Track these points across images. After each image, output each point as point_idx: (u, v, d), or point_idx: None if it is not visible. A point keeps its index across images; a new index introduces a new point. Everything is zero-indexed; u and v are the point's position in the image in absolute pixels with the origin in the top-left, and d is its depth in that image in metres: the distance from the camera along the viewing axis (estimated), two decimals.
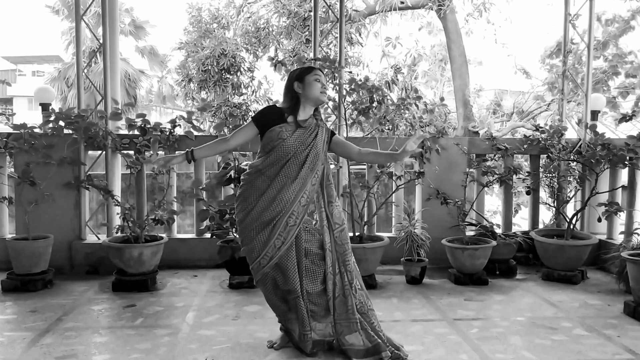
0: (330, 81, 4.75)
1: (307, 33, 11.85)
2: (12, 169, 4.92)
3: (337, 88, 4.81)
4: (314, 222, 3.04)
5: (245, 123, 3.03)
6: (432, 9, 11.18)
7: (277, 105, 3.07)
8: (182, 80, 13.09)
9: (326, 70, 4.77)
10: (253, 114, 3.02)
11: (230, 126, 4.84)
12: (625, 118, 4.71)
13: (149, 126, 4.63)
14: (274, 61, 5.14)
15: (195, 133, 4.81)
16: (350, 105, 4.77)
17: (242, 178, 3.01)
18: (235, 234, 4.49)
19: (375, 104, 4.67)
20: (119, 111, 4.86)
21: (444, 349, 3.15)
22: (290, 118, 2.95)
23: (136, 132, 4.68)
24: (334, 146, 3.10)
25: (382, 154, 3.39)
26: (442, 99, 5.31)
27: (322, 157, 3.00)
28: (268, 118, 2.95)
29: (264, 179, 2.92)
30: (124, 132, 5.05)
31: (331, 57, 4.81)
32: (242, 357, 3.00)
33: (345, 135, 5.10)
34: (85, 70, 5.13)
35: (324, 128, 3.03)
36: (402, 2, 11.86)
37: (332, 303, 2.94)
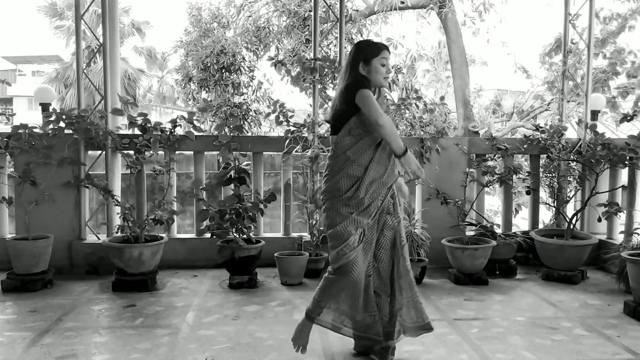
0: (330, 81, 4.76)
1: (307, 33, 11.85)
2: (12, 169, 4.91)
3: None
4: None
5: (365, 93, 2.70)
6: (432, 9, 11.18)
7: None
8: (182, 80, 13.08)
9: (326, 70, 4.77)
10: (359, 85, 2.72)
11: (231, 126, 4.84)
12: (626, 118, 4.71)
13: (149, 125, 4.63)
14: (274, 61, 5.15)
15: (196, 133, 4.81)
16: None
17: (329, 164, 2.85)
18: (235, 234, 4.49)
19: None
20: (121, 108, 4.85)
21: (444, 349, 3.15)
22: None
23: (137, 131, 4.68)
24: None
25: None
26: (442, 98, 5.29)
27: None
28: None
29: (350, 163, 2.77)
30: (124, 132, 5.06)
31: (331, 57, 4.82)
32: (242, 357, 3.00)
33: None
34: (85, 70, 5.13)
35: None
36: (402, 2, 11.86)
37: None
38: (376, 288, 2.90)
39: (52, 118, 4.57)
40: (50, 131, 4.61)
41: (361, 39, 12.82)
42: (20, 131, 4.52)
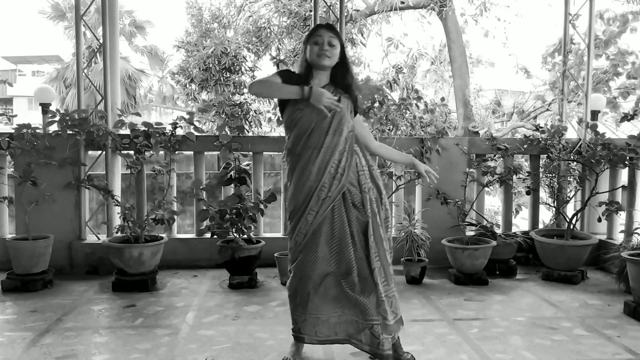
0: None
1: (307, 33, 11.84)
2: (12, 169, 4.92)
3: None
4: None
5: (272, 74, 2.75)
6: (433, 10, 11.17)
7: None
8: (183, 80, 13.08)
9: None
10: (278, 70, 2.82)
11: (233, 126, 4.84)
12: (626, 117, 4.70)
13: (152, 130, 4.64)
14: (275, 60, 5.15)
15: (196, 134, 4.81)
16: None
17: (283, 162, 2.83)
18: (235, 234, 4.49)
19: (376, 104, 4.67)
20: (122, 116, 4.84)
21: (444, 349, 3.15)
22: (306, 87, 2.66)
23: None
24: (354, 123, 2.82)
25: (398, 154, 3.28)
26: (442, 99, 5.30)
27: (349, 122, 2.73)
28: (290, 76, 2.71)
29: (294, 157, 2.73)
30: (124, 132, 5.05)
31: None
32: (242, 357, 3.00)
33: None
34: (85, 70, 5.13)
35: (345, 96, 2.76)
36: (403, 2, 11.85)
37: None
38: (348, 286, 2.71)
39: (56, 118, 4.57)
40: (52, 132, 4.62)
41: (362, 39, 12.82)
42: (23, 131, 4.52)
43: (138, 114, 4.71)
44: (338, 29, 5.14)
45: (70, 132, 4.65)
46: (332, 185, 2.66)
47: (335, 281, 2.72)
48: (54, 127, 4.66)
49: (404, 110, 4.73)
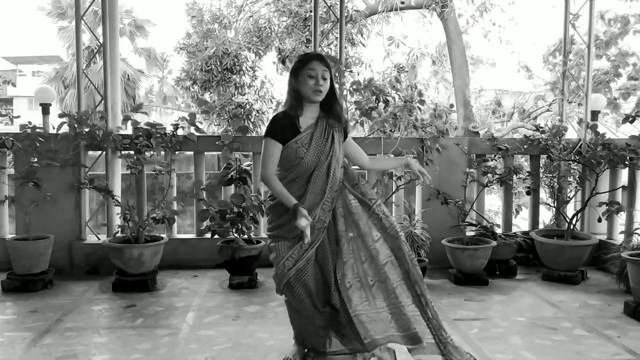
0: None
1: (307, 33, 11.84)
2: (13, 170, 4.92)
3: (338, 87, 4.80)
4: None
5: (266, 142, 2.66)
6: (435, 10, 11.16)
7: (283, 110, 2.72)
8: (187, 83, 13.09)
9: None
10: (267, 130, 2.67)
11: (235, 127, 4.84)
12: (628, 119, 4.69)
13: (154, 130, 4.65)
14: (280, 56, 5.15)
15: (197, 134, 4.81)
16: (354, 106, 4.76)
17: (270, 197, 2.82)
18: (235, 234, 4.49)
19: (382, 105, 4.65)
20: (129, 114, 4.84)
21: None
22: (302, 121, 2.65)
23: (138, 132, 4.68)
24: (345, 146, 2.82)
25: (392, 160, 3.28)
26: (452, 106, 5.33)
27: (341, 159, 2.76)
28: (284, 131, 2.63)
29: (289, 185, 2.67)
30: (124, 132, 5.06)
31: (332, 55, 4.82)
32: (242, 358, 3.00)
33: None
34: (85, 70, 5.13)
35: (335, 128, 2.72)
36: (403, 2, 11.84)
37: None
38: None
39: (65, 121, 4.58)
40: (58, 135, 4.62)
41: (362, 39, 12.81)
42: (28, 132, 4.52)
43: (146, 113, 4.71)
44: (338, 29, 5.16)
45: (74, 133, 4.65)
46: (326, 218, 2.69)
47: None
48: (60, 129, 4.67)
49: (407, 113, 4.71)
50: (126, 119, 4.75)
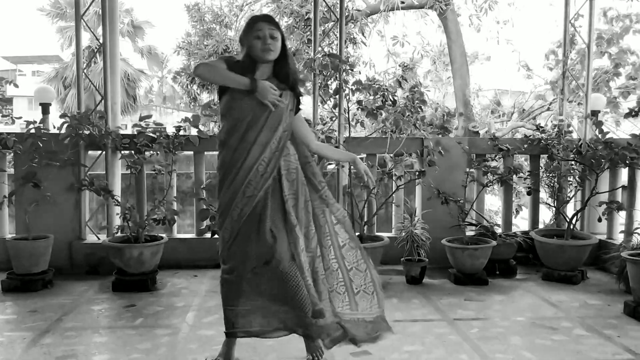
0: (334, 80, 4.75)
1: (308, 33, 11.84)
2: (13, 170, 4.92)
3: (339, 85, 4.80)
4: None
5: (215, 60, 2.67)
6: (440, 9, 11.13)
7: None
8: (185, 81, 13.06)
9: (332, 70, 4.73)
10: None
11: None
12: (631, 113, 4.66)
13: (158, 133, 4.65)
14: None
15: (199, 136, 4.81)
16: (356, 105, 4.76)
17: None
18: None
19: (389, 104, 4.64)
20: (143, 115, 4.85)
21: (444, 349, 3.15)
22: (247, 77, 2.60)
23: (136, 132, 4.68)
24: (295, 119, 2.75)
25: (338, 153, 3.28)
26: (461, 114, 5.33)
27: (286, 120, 2.67)
28: (239, 66, 2.59)
29: (228, 151, 2.65)
30: (124, 132, 5.06)
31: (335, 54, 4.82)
32: (242, 357, 3.00)
33: (347, 134, 5.10)
34: (85, 70, 5.13)
35: (288, 92, 2.69)
36: (403, 2, 11.84)
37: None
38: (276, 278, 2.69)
39: (67, 121, 4.57)
40: (61, 134, 4.62)
41: (364, 38, 12.79)
42: (32, 131, 4.52)
43: (149, 116, 4.73)
44: (339, 32, 5.16)
45: (75, 133, 4.65)
46: (258, 183, 2.61)
47: (262, 273, 2.65)
48: (62, 129, 4.67)
49: (409, 114, 4.70)
50: (136, 126, 4.74)
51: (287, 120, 2.68)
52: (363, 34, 12.71)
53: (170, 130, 4.83)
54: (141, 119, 4.70)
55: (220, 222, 2.72)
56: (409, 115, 4.65)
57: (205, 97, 13.07)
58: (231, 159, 2.63)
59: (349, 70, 4.80)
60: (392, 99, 4.64)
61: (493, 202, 11.48)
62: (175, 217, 4.83)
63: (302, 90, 3.06)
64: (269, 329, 2.73)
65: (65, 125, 4.57)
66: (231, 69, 2.61)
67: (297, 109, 2.78)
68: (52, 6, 20.20)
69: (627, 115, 4.77)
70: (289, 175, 2.71)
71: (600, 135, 4.90)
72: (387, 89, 4.64)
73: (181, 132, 4.78)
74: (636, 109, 4.60)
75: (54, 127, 4.74)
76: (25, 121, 4.58)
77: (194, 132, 4.85)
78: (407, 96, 4.75)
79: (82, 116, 4.61)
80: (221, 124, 2.71)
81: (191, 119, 4.70)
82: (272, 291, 2.66)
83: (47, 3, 20.26)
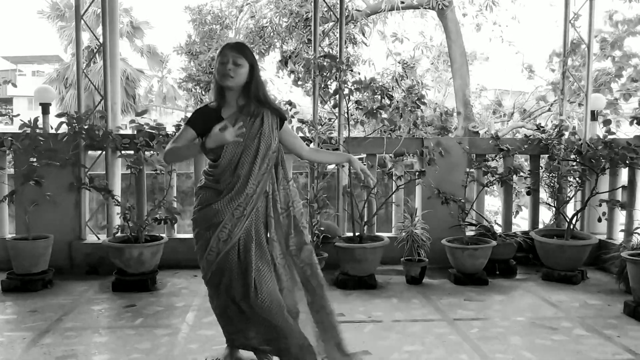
0: (333, 80, 4.75)
1: (309, 33, 11.84)
2: (13, 169, 4.92)
3: (338, 86, 4.79)
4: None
5: (181, 129, 2.66)
6: (440, 5, 11.12)
7: (208, 104, 2.72)
8: (190, 85, 13.08)
9: (330, 71, 4.73)
10: (186, 120, 2.68)
11: None
12: (634, 120, 4.65)
13: (156, 132, 4.64)
14: (283, 57, 5.14)
15: None
16: (354, 105, 4.76)
17: (197, 192, 2.74)
18: None
19: (389, 103, 4.64)
20: (134, 120, 4.85)
21: (444, 349, 3.15)
22: (224, 111, 2.63)
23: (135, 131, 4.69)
24: (282, 134, 2.75)
25: (333, 155, 3.29)
26: (459, 113, 5.34)
27: (274, 142, 2.67)
28: (205, 120, 2.58)
29: (214, 182, 2.66)
30: (124, 132, 5.06)
31: (332, 54, 4.82)
32: (242, 357, 3.00)
33: (346, 135, 5.10)
34: (85, 70, 5.14)
35: (268, 111, 2.67)
36: (403, 2, 11.84)
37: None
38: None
39: (64, 120, 4.57)
40: (59, 133, 4.62)
41: (364, 38, 12.79)
42: (28, 131, 4.51)
43: (145, 112, 4.75)
44: (339, 32, 5.16)
45: (77, 133, 4.65)
46: (247, 204, 2.61)
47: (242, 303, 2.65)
48: (59, 129, 4.67)
49: (407, 114, 4.71)
50: (132, 122, 4.74)
51: (275, 141, 2.68)
52: (363, 34, 12.70)
53: (170, 130, 4.83)
54: (137, 114, 4.70)
55: (203, 245, 2.73)
56: (408, 113, 4.64)
57: (207, 98, 13.09)
58: (218, 185, 2.65)
59: (348, 71, 4.79)
60: (388, 96, 4.63)
61: (492, 202, 11.47)
62: (177, 216, 4.82)
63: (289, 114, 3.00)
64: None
65: (63, 125, 4.57)
66: (200, 120, 2.60)
67: (281, 125, 2.76)
68: (51, 8, 20.20)
69: (631, 123, 4.75)
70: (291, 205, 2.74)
71: (607, 134, 4.87)
72: (384, 87, 4.64)
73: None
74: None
75: (52, 128, 4.74)
76: (20, 120, 4.57)
77: None
78: (405, 95, 4.75)
79: (80, 115, 4.61)
80: (210, 163, 2.71)
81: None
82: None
83: (46, 5, 20.28)
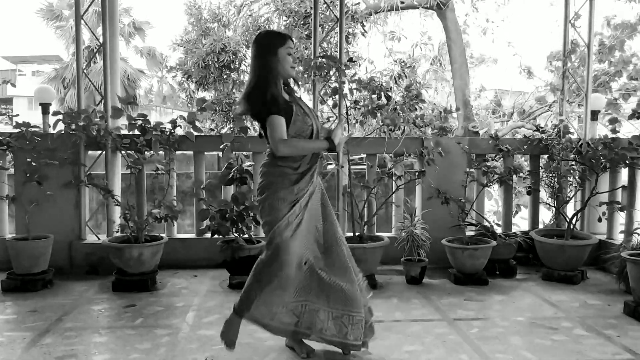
0: (334, 80, 4.75)
1: (307, 32, 11.83)
2: (13, 169, 4.92)
3: (338, 86, 4.79)
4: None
5: (273, 119, 2.64)
6: (439, 8, 11.11)
7: (269, 90, 2.69)
8: (181, 77, 13.04)
9: (330, 71, 4.74)
10: (271, 108, 2.63)
11: (237, 127, 4.83)
12: (634, 115, 4.62)
13: (149, 126, 4.63)
14: None
15: (195, 133, 4.80)
16: (354, 104, 4.76)
17: (267, 182, 2.84)
18: (235, 234, 4.48)
19: (389, 102, 4.64)
20: (121, 108, 4.84)
21: (444, 349, 3.15)
22: (287, 96, 2.78)
23: (136, 131, 4.68)
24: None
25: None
26: (457, 109, 5.32)
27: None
28: (285, 106, 2.69)
29: (293, 162, 2.82)
30: (125, 131, 5.05)
31: (332, 54, 4.81)
32: (242, 357, 3.00)
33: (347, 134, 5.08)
34: (85, 70, 5.13)
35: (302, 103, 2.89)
36: (402, 2, 11.84)
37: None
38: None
39: (59, 118, 4.57)
40: (55, 132, 4.62)
41: (363, 30, 12.76)
42: (22, 129, 4.51)
43: (144, 115, 4.72)
44: (339, 31, 5.16)
45: (73, 132, 4.64)
46: (306, 186, 2.88)
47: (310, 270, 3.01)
48: (56, 127, 4.66)
49: (406, 112, 4.70)
50: (116, 112, 4.73)
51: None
52: (363, 27, 12.63)
53: (167, 127, 4.81)
54: (121, 100, 4.69)
55: (284, 225, 2.98)
56: (407, 112, 4.64)
57: (202, 94, 13.05)
58: (298, 170, 2.85)
59: (347, 68, 4.78)
60: (386, 95, 4.63)
61: (492, 203, 11.47)
62: (177, 214, 4.81)
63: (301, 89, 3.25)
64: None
65: (60, 123, 4.56)
66: (284, 112, 2.67)
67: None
68: (47, 9, 20.17)
69: (631, 117, 4.74)
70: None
71: (612, 134, 4.85)
72: (382, 86, 4.64)
73: (178, 130, 4.76)
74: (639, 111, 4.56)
75: (50, 127, 4.73)
76: (16, 122, 4.56)
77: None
78: (404, 94, 4.74)
79: (76, 113, 4.60)
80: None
81: (187, 116, 4.70)
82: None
83: (42, 6, 20.22)
